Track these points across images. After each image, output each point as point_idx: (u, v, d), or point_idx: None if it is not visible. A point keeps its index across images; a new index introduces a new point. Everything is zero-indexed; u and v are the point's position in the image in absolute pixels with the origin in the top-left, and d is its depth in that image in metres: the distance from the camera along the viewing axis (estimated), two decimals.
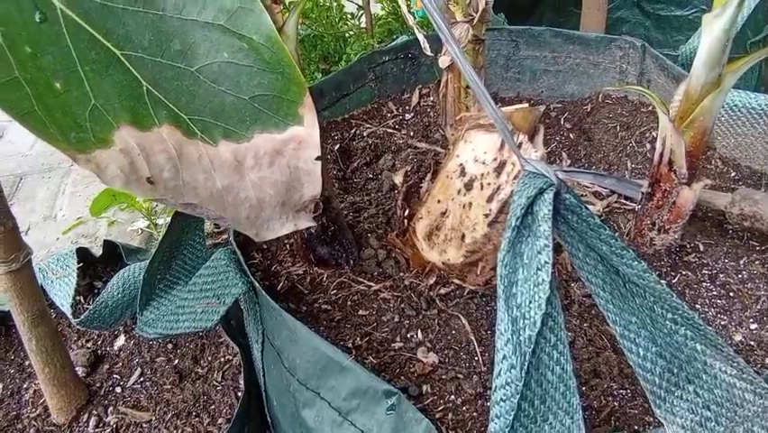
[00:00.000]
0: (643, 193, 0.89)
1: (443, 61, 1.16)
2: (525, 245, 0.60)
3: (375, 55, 1.26)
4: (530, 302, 0.58)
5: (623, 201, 1.04)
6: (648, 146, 1.15)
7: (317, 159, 0.48)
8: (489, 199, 0.91)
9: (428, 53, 1.14)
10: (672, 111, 0.79)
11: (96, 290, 1.11)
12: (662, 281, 0.63)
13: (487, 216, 0.91)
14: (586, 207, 0.62)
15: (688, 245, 0.94)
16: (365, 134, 1.21)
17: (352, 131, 1.23)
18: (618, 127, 1.21)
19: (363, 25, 2.01)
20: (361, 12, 2.00)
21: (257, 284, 0.78)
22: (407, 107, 1.31)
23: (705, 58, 0.73)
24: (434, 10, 0.61)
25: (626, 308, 0.64)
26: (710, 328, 0.64)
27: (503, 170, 0.90)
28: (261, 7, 0.42)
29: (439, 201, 0.97)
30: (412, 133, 1.24)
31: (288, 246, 1.00)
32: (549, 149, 1.22)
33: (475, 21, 1.10)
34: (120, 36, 0.40)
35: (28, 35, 0.39)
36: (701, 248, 0.94)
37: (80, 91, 0.40)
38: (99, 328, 0.99)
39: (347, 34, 2.02)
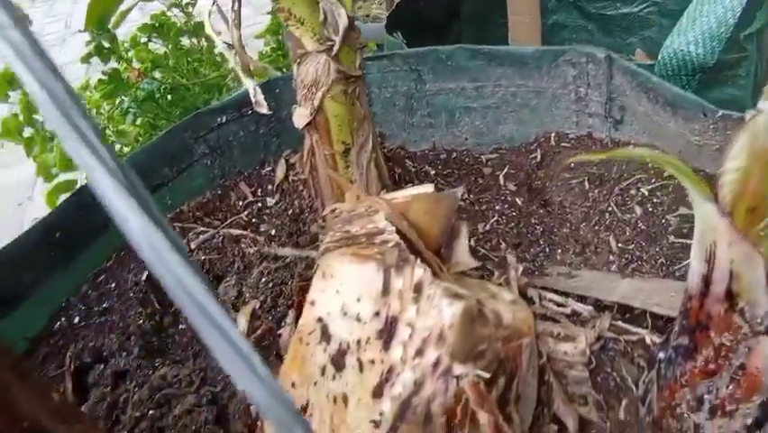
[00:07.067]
0: (673, 341, 0.46)
1: (300, 117, 0.72)
2: None
3: (202, 117, 0.81)
4: None
5: (627, 324, 0.61)
6: (639, 211, 0.74)
7: None
8: (377, 392, 0.46)
9: (264, 111, 0.71)
10: (725, 195, 0.37)
11: None
12: None
13: (377, 424, 0.46)
14: None
15: None
16: (193, 246, 0.75)
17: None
18: (587, 183, 0.79)
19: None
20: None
21: None
22: (270, 187, 0.87)
23: None
24: None
25: None
26: None
27: (394, 335, 0.45)
28: None
29: (294, 384, 0.52)
30: (273, 231, 0.79)
31: None
32: (486, 227, 0.79)
33: (336, 47, 0.67)
34: None
35: None
36: None
37: None
38: None
39: (221, 82, 1.58)
